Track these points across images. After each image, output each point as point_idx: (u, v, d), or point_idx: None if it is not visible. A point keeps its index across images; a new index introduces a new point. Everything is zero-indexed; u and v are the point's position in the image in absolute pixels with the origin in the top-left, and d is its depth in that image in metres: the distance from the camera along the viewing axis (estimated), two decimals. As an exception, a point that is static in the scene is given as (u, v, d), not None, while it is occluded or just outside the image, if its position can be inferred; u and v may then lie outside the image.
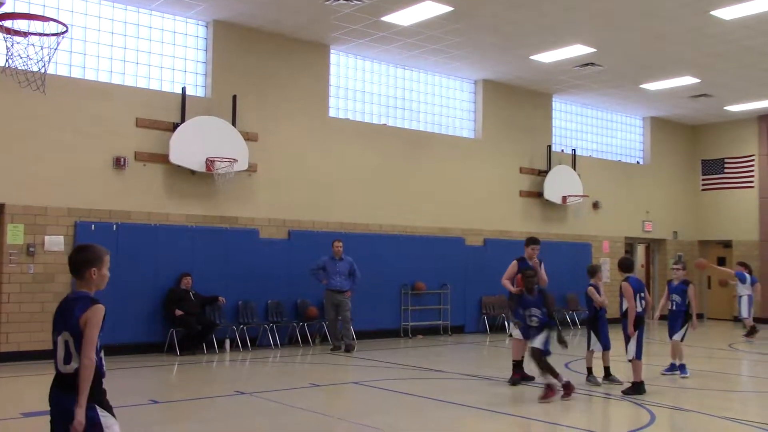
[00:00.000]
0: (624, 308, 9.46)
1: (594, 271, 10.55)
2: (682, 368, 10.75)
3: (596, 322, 10.12)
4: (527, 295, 9.23)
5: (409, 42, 14.56)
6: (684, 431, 7.86)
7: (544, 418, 8.26)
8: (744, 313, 16.58)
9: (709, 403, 9.14)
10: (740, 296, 16.72)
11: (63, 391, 3.92)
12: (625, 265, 9.92)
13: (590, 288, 10.21)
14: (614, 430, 8.02)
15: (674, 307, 10.98)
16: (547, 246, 16.74)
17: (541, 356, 8.82)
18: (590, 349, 10.13)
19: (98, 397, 3.95)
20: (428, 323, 16.16)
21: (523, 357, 9.86)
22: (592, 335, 10.10)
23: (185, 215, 13.09)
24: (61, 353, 3.92)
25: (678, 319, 10.93)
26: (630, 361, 9.38)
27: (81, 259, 4.02)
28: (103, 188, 12.26)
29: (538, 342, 8.87)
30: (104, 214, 12.25)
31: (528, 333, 9.13)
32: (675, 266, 11.41)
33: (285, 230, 14.24)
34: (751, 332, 16.39)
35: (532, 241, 10.39)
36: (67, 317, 3.92)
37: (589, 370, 10.09)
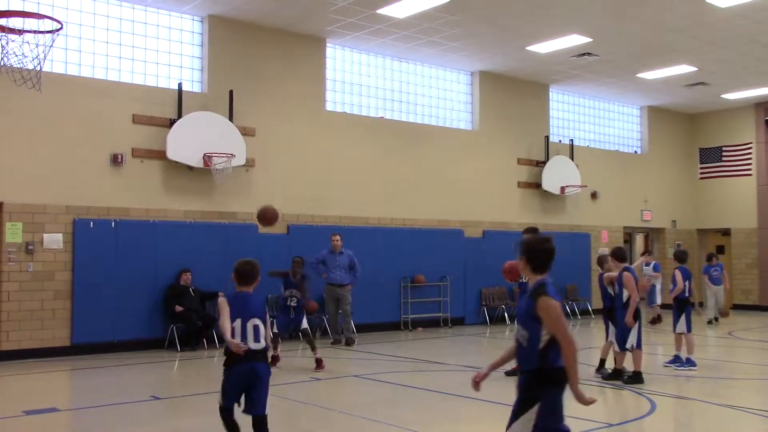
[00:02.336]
0: (625, 299, 9.43)
1: (602, 261, 10.41)
2: (689, 361, 10.54)
3: (614, 313, 9.72)
4: (291, 277, 10.66)
5: (405, 34, 14.53)
6: (685, 420, 7.88)
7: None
8: (657, 301, 17.41)
9: (710, 391, 9.16)
10: (654, 285, 17.30)
11: (258, 361, 5.41)
12: (619, 256, 9.85)
13: (607, 275, 9.78)
14: (617, 419, 8.03)
15: (681, 296, 10.85)
16: (546, 237, 16.78)
17: (310, 335, 10.63)
18: (609, 339, 9.81)
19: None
20: (428, 316, 16.17)
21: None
22: (611, 326, 9.74)
23: (183, 211, 13.09)
24: (251, 334, 5.38)
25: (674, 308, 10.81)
26: (629, 350, 9.39)
27: (257, 269, 5.58)
28: (101, 185, 12.25)
29: (305, 323, 10.60)
30: (102, 211, 12.24)
31: (289, 312, 10.58)
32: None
33: (284, 225, 14.23)
34: (655, 320, 17.10)
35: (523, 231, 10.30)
36: (256, 307, 5.48)
37: (602, 362, 9.90)
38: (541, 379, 4.00)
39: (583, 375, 9.88)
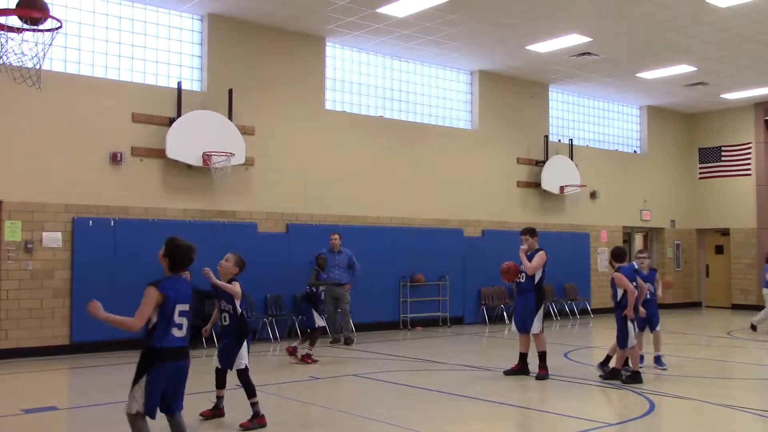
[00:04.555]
0: (618, 298, 9.44)
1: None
2: (658, 360, 10.47)
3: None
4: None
5: (405, 33, 14.53)
6: (684, 419, 7.89)
7: (543, 408, 8.29)
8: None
9: (709, 391, 9.16)
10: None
11: None
12: (618, 255, 9.84)
13: (617, 274, 9.56)
14: (615, 418, 8.04)
15: (651, 296, 10.75)
16: (546, 236, 16.79)
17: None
18: None
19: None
20: (427, 315, 16.17)
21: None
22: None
23: (183, 210, 13.08)
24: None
25: (655, 307, 10.61)
26: (630, 349, 9.39)
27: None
28: (100, 184, 12.25)
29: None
30: (102, 209, 12.24)
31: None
32: (641, 255, 10.98)
33: (283, 224, 14.24)
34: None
35: (521, 231, 10.25)
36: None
37: (608, 358, 9.84)
38: (149, 355, 5.16)
39: (583, 374, 9.91)
